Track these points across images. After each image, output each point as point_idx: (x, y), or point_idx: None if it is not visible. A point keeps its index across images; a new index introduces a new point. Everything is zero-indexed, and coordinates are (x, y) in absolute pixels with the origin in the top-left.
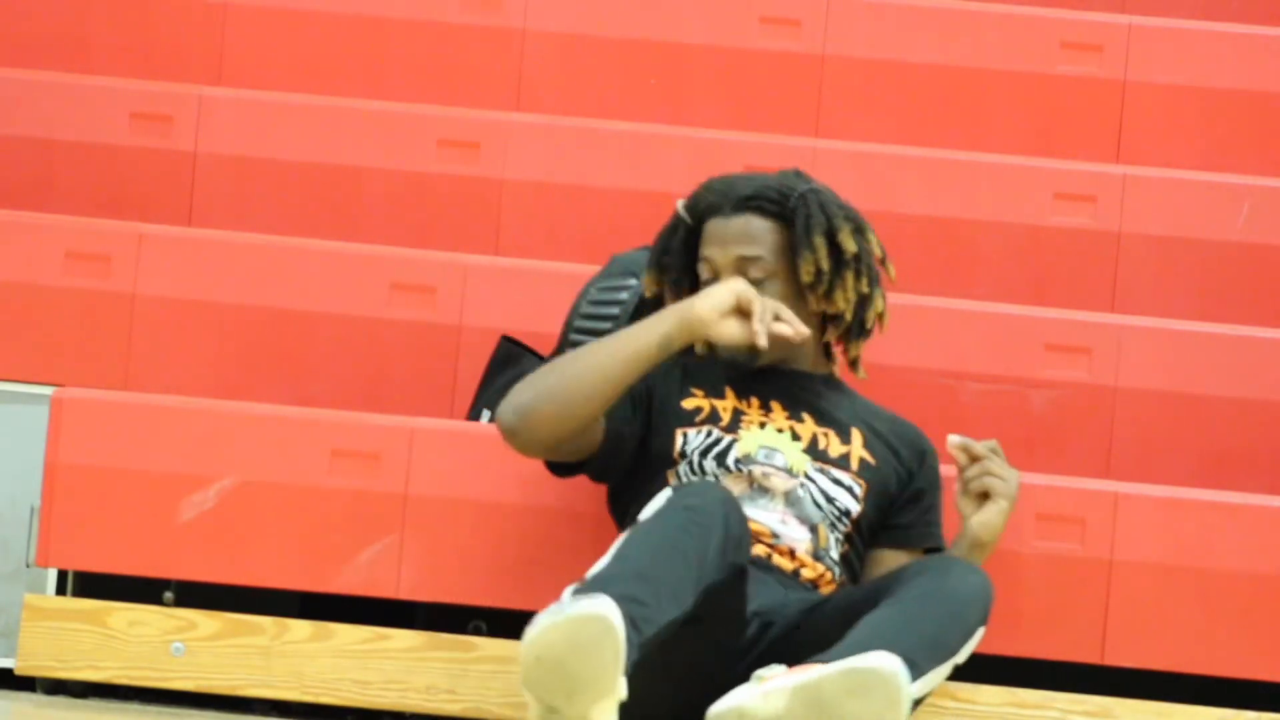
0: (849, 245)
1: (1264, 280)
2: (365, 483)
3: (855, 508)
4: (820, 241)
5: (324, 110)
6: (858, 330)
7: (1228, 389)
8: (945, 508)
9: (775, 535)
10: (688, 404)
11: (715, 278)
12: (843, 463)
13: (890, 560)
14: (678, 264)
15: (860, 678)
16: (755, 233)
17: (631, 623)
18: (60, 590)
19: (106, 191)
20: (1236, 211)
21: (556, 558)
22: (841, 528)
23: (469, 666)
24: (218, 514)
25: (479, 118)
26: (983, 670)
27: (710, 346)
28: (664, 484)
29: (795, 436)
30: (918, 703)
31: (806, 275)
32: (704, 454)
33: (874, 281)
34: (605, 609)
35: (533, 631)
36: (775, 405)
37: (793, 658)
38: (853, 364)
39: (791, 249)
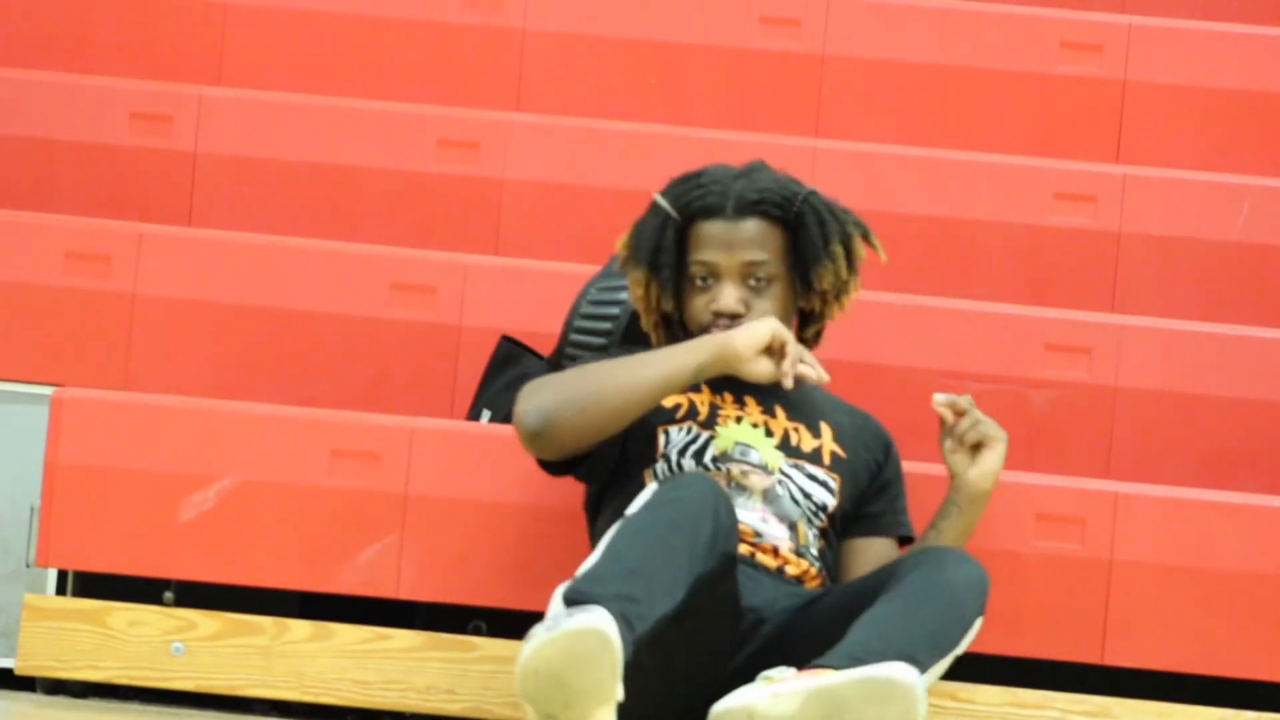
0: (862, 252)
1: (1264, 280)
2: (365, 483)
3: (831, 502)
4: (839, 250)
5: (324, 110)
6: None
7: (1228, 389)
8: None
9: (758, 534)
10: (667, 401)
11: (712, 280)
12: (815, 457)
13: (863, 549)
14: (670, 263)
15: (878, 687)
16: (762, 238)
17: (625, 621)
18: (60, 590)
19: (106, 191)
20: (1236, 211)
21: (556, 558)
22: (818, 523)
23: (469, 666)
24: (218, 514)
25: (479, 118)
26: (983, 670)
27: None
28: (641, 483)
29: (769, 432)
30: None
31: (825, 283)
32: (681, 452)
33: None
34: (601, 623)
35: (529, 648)
36: (749, 400)
37: (788, 655)
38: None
39: (792, 253)
